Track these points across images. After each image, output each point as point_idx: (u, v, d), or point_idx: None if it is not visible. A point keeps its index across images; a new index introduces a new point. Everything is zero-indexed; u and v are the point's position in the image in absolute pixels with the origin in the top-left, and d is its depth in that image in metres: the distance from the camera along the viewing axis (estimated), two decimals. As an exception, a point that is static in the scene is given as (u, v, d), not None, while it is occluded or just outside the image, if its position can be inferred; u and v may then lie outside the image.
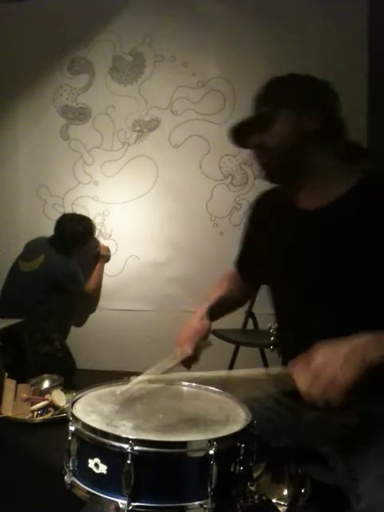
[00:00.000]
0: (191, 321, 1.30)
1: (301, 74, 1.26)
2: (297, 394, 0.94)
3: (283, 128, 1.16)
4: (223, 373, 1.16)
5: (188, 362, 1.24)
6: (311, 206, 1.19)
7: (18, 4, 3.62)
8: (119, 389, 1.15)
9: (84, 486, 0.94)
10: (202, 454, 0.88)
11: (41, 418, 2.45)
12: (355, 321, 1.04)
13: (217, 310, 1.38)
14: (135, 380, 1.15)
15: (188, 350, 1.22)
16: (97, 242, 3.57)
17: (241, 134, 1.24)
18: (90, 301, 3.61)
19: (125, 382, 1.17)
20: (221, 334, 2.78)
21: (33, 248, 3.41)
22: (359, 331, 0.96)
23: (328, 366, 0.91)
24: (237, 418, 1.02)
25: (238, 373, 1.13)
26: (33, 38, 3.61)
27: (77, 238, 3.38)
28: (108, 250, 3.58)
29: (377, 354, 0.91)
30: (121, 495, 0.88)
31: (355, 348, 0.92)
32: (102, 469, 0.90)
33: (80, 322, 3.68)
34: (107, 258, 3.58)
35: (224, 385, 1.17)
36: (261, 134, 1.19)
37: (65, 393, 2.59)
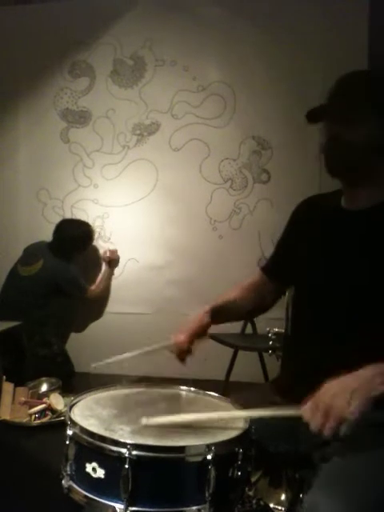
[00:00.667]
0: (192, 316, 1.30)
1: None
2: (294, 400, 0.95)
3: (370, 130, 1.13)
4: (243, 412, 1.13)
5: (182, 354, 1.24)
6: (355, 207, 1.20)
7: (20, 7, 3.63)
8: (119, 392, 1.15)
9: (81, 491, 0.93)
10: (200, 458, 0.88)
11: (38, 421, 2.44)
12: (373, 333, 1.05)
13: (221, 312, 1.37)
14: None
15: (181, 337, 1.23)
16: (104, 248, 3.56)
17: (318, 114, 1.21)
18: (94, 306, 3.59)
19: (123, 386, 1.17)
20: (219, 338, 2.78)
21: (32, 252, 3.40)
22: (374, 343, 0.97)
23: (336, 406, 0.92)
24: (235, 423, 1.02)
25: (254, 413, 1.11)
26: (34, 40, 3.61)
27: (76, 243, 3.38)
28: (117, 254, 3.56)
29: (382, 388, 0.93)
30: (118, 500, 0.88)
31: (361, 384, 0.93)
32: (100, 473, 0.90)
33: (81, 328, 3.67)
34: (117, 263, 3.58)
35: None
36: (340, 126, 1.16)
37: (63, 396, 2.58)
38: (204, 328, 1.29)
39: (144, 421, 1.00)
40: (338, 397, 0.93)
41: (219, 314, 1.36)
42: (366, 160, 1.16)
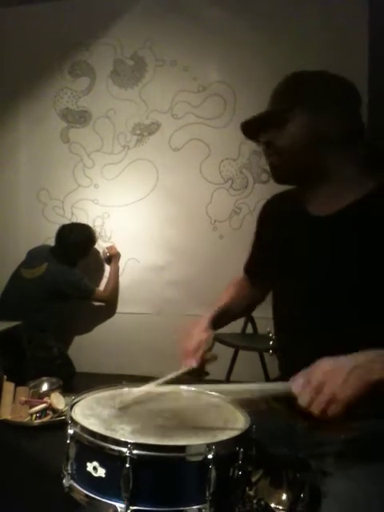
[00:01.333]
0: (195, 331, 1.29)
1: (322, 71, 1.19)
2: (289, 401, 0.94)
3: (297, 128, 1.11)
4: (231, 386, 1.14)
5: (195, 376, 1.24)
6: (321, 212, 1.16)
7: (20, 8, 3.63)
8: (119, 394, 1.15)
9: (82, 490, 0.93)
10: (200, 458, 0.88)
11: (39, 420, 2.44)
12: (355, 327, 1.04)
13: (221, 319, 1.38)
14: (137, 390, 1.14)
15: (193, 363, 1.21)
16: (103, 248, 3.57)
17: (252, 128, 1.19)
18: (101, 307, 3.59)
19: (123, 386, 1.17)
20: (220, 338, 2.78)
21: (36, 256, 3.41)
22: (358, 337, 0.95)
23: (329, 382, 0.87)
24: (236, 423, 1.02)
25: (239, 387, 1.11)
26: (34, 41, 3.62)
27: (78, 248, 3.38)
28: (115, 248, 3.56)
29: (380, 374, 0.87)
30: (119, 499, 0.88)
31: (359, 365, 0.88)
32: (101, 472, 0.90)
33: (87, 330, 3.66)
34: (118, 256, 3.56)
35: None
36: (273, 131, 1.14)
37: (64, 396, 2.58)
38: (211, 344, 1.28)
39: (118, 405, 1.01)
40: (333, 374, 0.87)
41: (219, 320, 1.36)
42: (309, 160, 1.13)
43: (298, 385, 0.91)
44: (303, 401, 0.89)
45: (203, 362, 1.24)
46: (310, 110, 1.11)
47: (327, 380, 0.87)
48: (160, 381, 1.14)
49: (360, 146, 1.15)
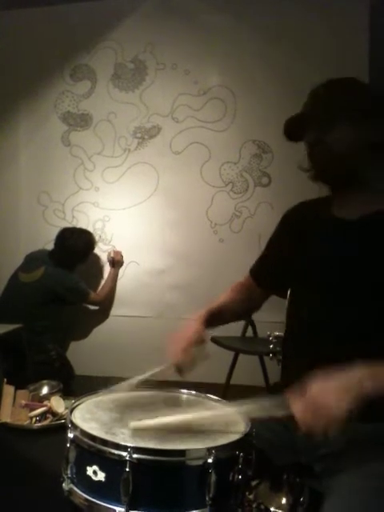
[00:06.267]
0: (187, 326, 1.29)
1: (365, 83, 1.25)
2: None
3: (345, 131, 1.15)
4: (237, 408, 1.14)
5: (180, 370, 1.23)
6: (350, 216, 1.20)
7: (21, 11, 3.64)
8: (120, 395, 1.15)
9: (82, 494, 0.93)
10: (200, 462, 0.88)
11: (39, 424, 2.43)
12: (373, 333, 1.08)
13: (215, 319, 1.37)
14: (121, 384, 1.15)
15: (182, 358, 1.21)
16: (108, 251, 3.57)
17: (297, 126, 1.23)
18: (97, 311, 3.58)
19: (124, 390, 1.17)
20: (220, 342, 2.78)
21: (33, 260, 3.39)
22: (372, 343, 0.99)
23: (324, 398, 0.93)
24: (235, 427, 1.02)
25: (240, 408, 1.11)
26: (35, 44, 3.62)
27: (78, 253, 3.37)
28: (121, 255, 3.54)
29: (370, 388, 0.94)
30: (119, 503, 0.88)
31: (351, 380, 0.95)
32: (101, 476, 0.90)
33: (84, 335, 3.66)
34: (121, 263, 3.56)
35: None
36: (319, 131, 1.17)
37: (63, 399, 2.58)
38: (199, 339, 1.27)
39: (132, 425, 1.00)
40: (329, 397, 0.93)
41: (213, 318, 1.36)
42: (349, 163, 1.16)
43: (297, 410, 0.96)
44: (305, 427, 0.94)
45: (191, 358, 1.23)
46: (360, 115, 1.15)
47: (322, 395, 0.94)
48: (145, 374, 1.15)
49: None
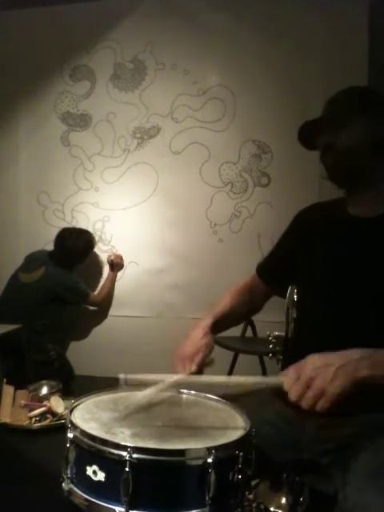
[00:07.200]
0: (194, 335, 1.29)
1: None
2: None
3: (356, 132, 1.17)
4: (224, 378, 1.15)
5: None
6: (364, 214, 1.22)
7: (20, 11, 3.64)
8: (119, 398, 1.14)
9: (82, 494, 0.93)
10: (200, 462, 0.88)
11: (39, 424, 2.44)
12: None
13: (220, 324, 1.37)
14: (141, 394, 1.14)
15: (193, 368, 1.22)
16: (109, 252, 3.57)
17: (310, 134, 1.25)
18: (96, 311, 3.59)
19: (123, 390, 1.17)
20: (220, 342, 2.78)
21: (33, 260, 3.40)
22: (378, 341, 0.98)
23: (318, 378, 0.92)
24: (235, 426, 1.02)
25: (237, 379, 1.12)
26: (35, 44, 3.63)
27: (77, 253, 3.38)
28: (121, 258, 3.55)
29: (367, 372, 0.93)
30: (119, 503, 0.88)
31: (346, 363, 0.94)
32: (100, 476, 0.90)
33: (84, 335, 3.66)
34: (121, 267, 3.57)
35: (224, 390, 1.16)
36: (331, 134, 1.20)
37: (63, 399, 2.58)
38: (210, 349, 1.28)
39: (122, 375, 1.02)
40: (322, 370, 0.93)
41: (218, 325, 1.36)
42: (363, 164, 1.18)
43: (288, 380, 0.95)
44: (293, 395, 0.94)
45: (202, 366, 1.24)
46: (371, 116, 1.18)
47: (316, 376, 0.93)
48: (159, 386, 1.13)
49: None
